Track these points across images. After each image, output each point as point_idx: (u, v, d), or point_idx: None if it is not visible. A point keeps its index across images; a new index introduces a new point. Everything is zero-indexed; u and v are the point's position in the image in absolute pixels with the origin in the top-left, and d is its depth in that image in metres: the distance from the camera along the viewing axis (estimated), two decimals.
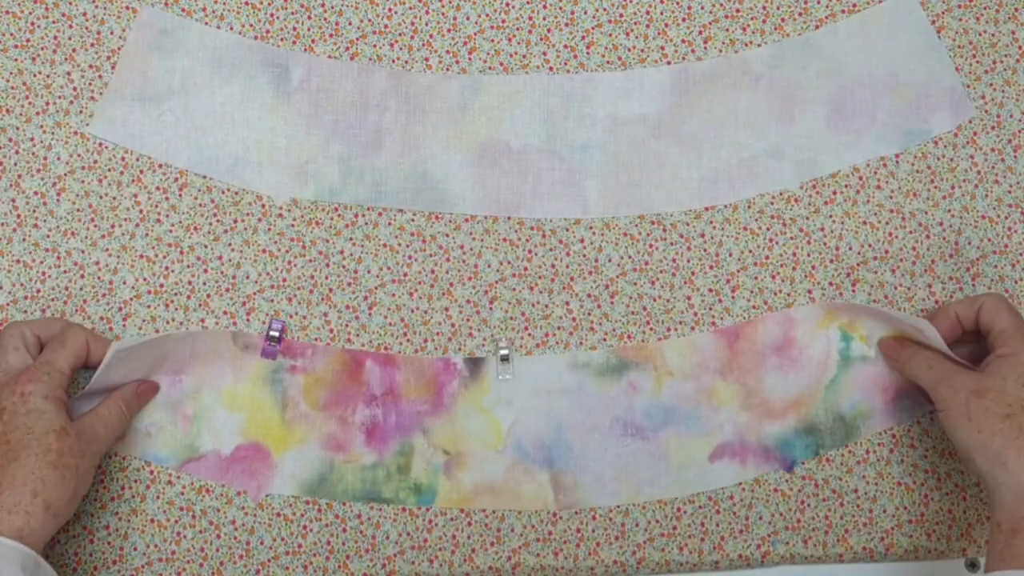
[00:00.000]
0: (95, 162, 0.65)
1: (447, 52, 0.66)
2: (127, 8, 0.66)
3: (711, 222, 0.65)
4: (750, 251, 0.64)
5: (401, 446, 0.62)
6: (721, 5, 0.67)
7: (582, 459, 0.62)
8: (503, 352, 0.62)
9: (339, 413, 0.62)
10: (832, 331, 0.63)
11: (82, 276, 0.63)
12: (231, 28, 0.66)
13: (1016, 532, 0.51)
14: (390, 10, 0.67)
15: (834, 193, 0.65)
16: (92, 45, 0.66)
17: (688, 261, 0.64)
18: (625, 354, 0.63)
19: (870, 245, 0.64)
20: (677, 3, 0.67)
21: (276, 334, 0.62)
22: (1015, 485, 0.52)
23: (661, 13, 0.67)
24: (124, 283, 0.63)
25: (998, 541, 0.52)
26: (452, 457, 0.62)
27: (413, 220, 0.65)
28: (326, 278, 0.64)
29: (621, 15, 0.67)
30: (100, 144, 0.65)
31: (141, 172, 0.64)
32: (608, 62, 0.66)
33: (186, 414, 0.62)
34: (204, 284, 0.63)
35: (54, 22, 0.66)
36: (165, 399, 0.62)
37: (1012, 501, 0.52)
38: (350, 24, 0.66)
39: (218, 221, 0.64)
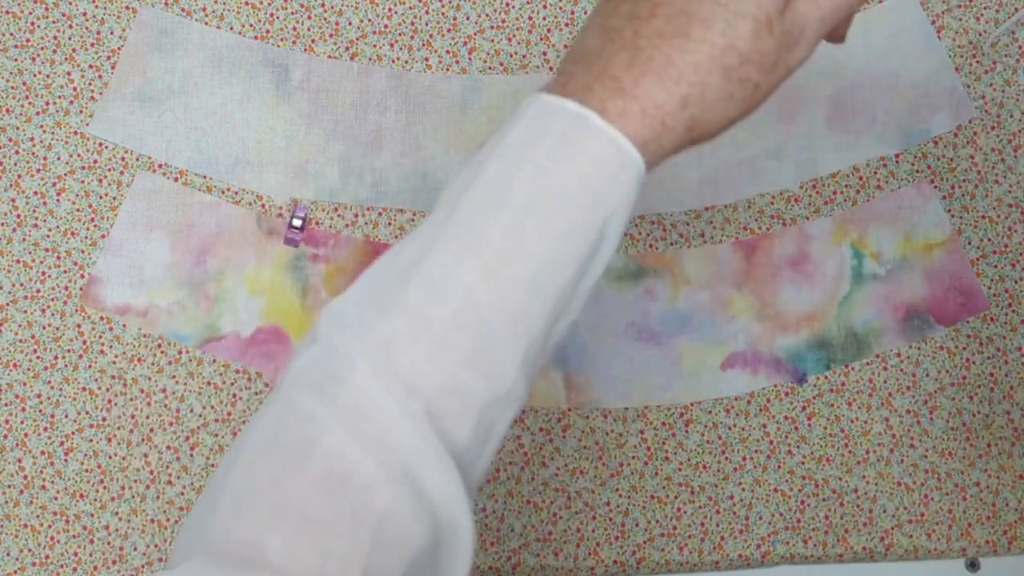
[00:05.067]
0: (95, 162, 0.65)
1: (447, 52, 0.66)
2: (127, 8, 0.66)
3: (711, 222, 0.65)
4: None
5: None
6: None
7: (595, 360, 0.63)
8: None
9: None
10: (845, 247, 0.64)
11: (82, 277, 0.63)
12: (231, 28, 0.66)
13: None
14: (390, 10, 0.67)
15: (834, 193, 0.65)
16: (92, 45, 0.66)
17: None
18: (643, 261, 0.64)
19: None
20: None
21: (300, 222, 0.62)
22: None
23: None
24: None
25: None
26: None
27: (413, 220, 0.65)
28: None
29: None
30: (100, 144, 0.65)
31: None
32: None
33: (208, 295, 0.63)
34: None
35: (54, 22, 0.66)
36: (189, 279, 0.63)
37: None
38: (350, 24, 0.66)
39: None
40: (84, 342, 0.63)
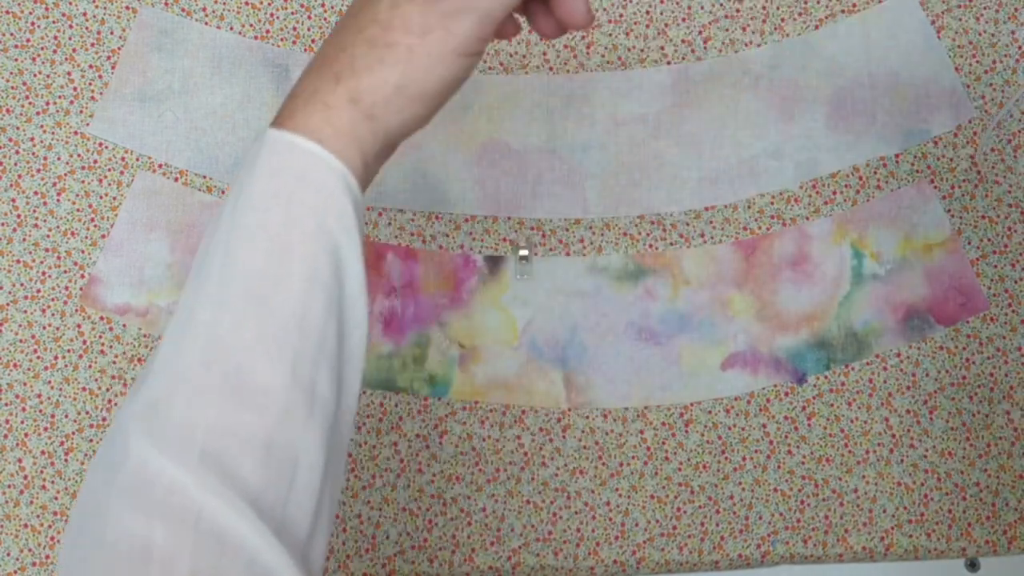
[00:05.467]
0: (95, 162, 0.65)
1: None
2: (127, 8, 0.66)
3: (711, 222, 0.65)
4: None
5: (418, 337, 0.63)
6: (721, 5, 0.67)
7: (595, 361, 0.63)
8: (522, 252, 0.63)
9: None
10: (845, 247, 0.64)
11: (82, 276, 0.63)
12: (231, 28, 0.66)
13: None
14: None
15: (834, 193, 0.65)
16: (92, 45, 0.66)
17: None
18: (643, 261, 0.64)
19: None
20: (677, 3, 0.67)
21: None
22: None
23: (661, 13, 0.67)
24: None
25: None
26: (467, 351, 0.63)
27: (413, 220, 0.65)
28: None
29: (621, 15, 0.67)
30: (100, 144, 0.65)
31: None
32: (608, 62, 0.66)
33: None
34: None
35: (54, 22, 0.66)
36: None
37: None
38: None
39: None
40: (84, 342, 0.63)
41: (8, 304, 0.63)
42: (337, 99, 0.37)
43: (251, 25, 0.66)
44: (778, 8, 0.67)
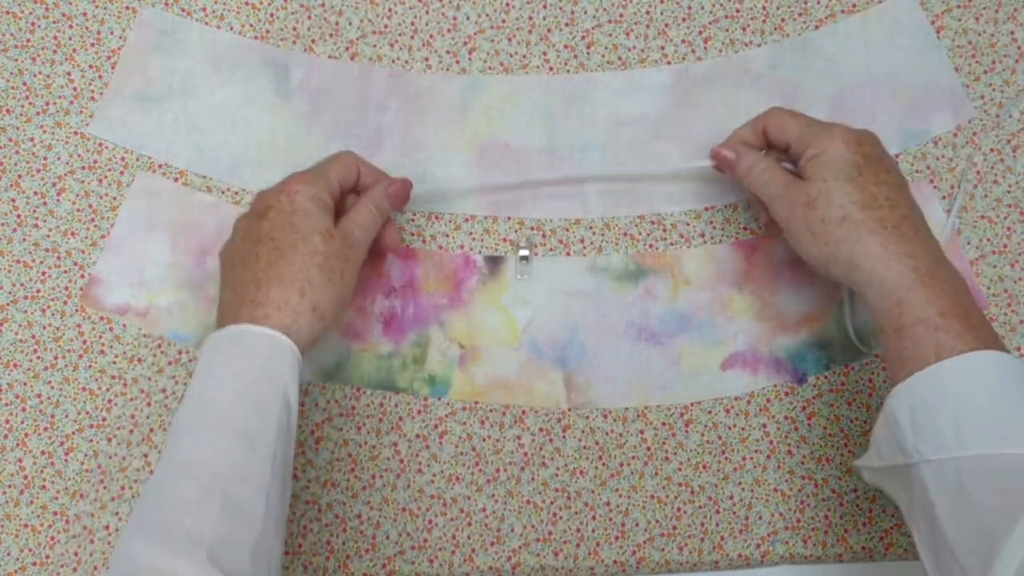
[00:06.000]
0: (95, 162, 0.65)
1: (447, 52, 0.66)
2: (127, 8, 0.66)
3: (711, 222, 0.65)
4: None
5: (418, 337, 0.63)
6: (721, 5, 0.67)
7: (596, 361, 0.63)
8: (522, 252, 0.63)
9: (358, 303, 0.63)
10: None
11: (82, 276, 0.63)
12: (231, 28, 0.66)
13: (899, 332, 0.49)
14: (390, 10, 0.67)
15: None
16: (92, 45, 0.66)
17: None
18: (643, 261, 0.64)
19: None
20: (677, 3, 0.67)
21: None
22: (876, 283, 0.50)
23: (661, 13, 0.67)
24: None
25: (888, 348, 0.50)
26: (467, 351, 0.63)
27: (413, 220, 0.65)
28: None
29: (621, 15, 0.67)
30: (100, 144, 0.65)
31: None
32: (608, 62, 0.66)
33: (208, 295, 0.63)
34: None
35: (54, 22, 0.66)
36: (189, 279, 0.63)
37: (881, 300, 0.50)
38: (350, 24, 0.66)
39: None
40: (84, 342, 0.63)
41: (8, 304, 0.63)
42: (303, 307, 0.52)
43: (251, 25, 0.66)
44: (778, 8, 0.67)
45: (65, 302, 0.63)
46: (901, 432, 0.47)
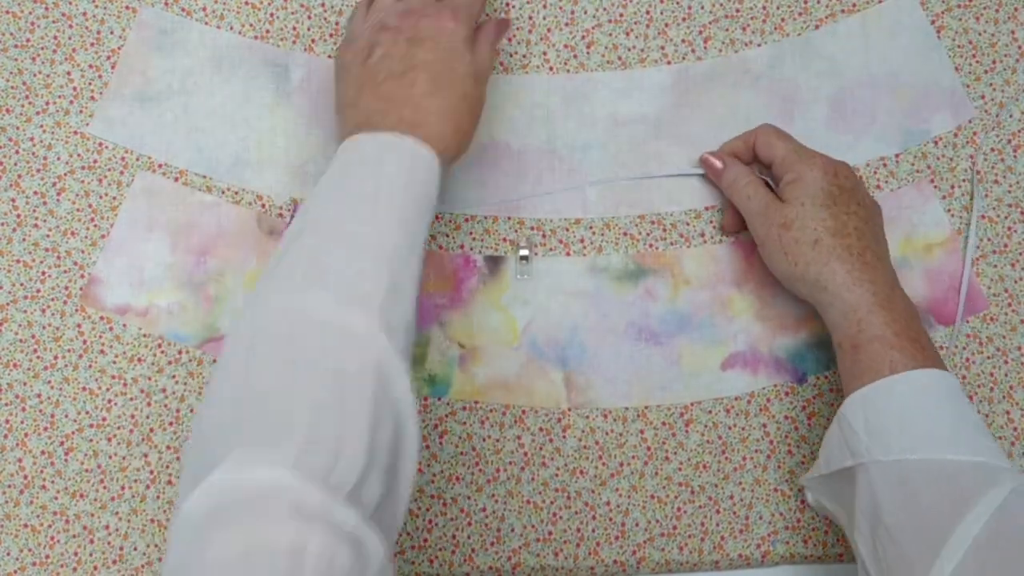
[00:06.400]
0: (95, 162, 0.65)
1: None
2: (127, 8, 0.66)
3: (711, 222, 0.65)
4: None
5: (418, 337, 0.63)
6: (721, 5, 0.67)
7: (596, 360, 0.63)
8: (522, 252, 0.63)
9: None
10: None
11: (82, 276, 0.63)
12: (231, 28, 0.66)
13: (856, 348, 0.54)
14: None
15: None
16: (92, 45, 0.66)
17: None
18: (643, 261, 0.64)
19: None
20: (677, 3, 0.67)
21: None
22: (839, 303, 0.55)
23: (661, 13, 0.67)
24: None
25: (844, 361, 0.55)
26: (467, 351, 0.63)
27: None
28: None
29: (621, 15, 0.67)
30: (100, 144, 0.65)
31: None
32: (608, 62, 0.66)
33: (208, 295, 0.63)
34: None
35: (54, 22, 0.66)
36: (189, 279, 0.63)
37: (842, 319, 0.55)
38: None
39: None
40: (84, 342, 0.63)
41: (8, 304, 0.63)
42: (451, 146, 0.55)
43: (251, 25, 0.66)
44: (778, 8, 0.67)
45: (65, 302, 0.63)
46: (855, 435, 0.52)
